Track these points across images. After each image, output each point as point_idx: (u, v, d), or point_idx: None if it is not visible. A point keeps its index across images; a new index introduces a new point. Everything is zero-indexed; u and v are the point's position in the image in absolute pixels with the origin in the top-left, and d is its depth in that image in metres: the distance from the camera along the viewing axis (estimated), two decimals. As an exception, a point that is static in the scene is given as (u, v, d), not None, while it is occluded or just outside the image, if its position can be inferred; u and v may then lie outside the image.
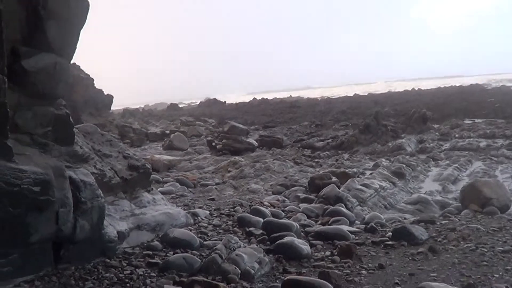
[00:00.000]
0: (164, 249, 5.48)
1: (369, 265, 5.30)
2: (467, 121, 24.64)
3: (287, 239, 5.89)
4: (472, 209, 7.99)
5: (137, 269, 4.81)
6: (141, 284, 4.48)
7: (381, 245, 6.06)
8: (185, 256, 5.12)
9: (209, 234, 6.29)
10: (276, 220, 6.88)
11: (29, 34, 4.23)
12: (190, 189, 11.17)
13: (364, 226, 7.22)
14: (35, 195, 3.99)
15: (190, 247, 5.55)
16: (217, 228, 6.64)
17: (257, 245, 5.82)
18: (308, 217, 7.85)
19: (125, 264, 4.91)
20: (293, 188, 10.97)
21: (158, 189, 8.54)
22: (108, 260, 4.92)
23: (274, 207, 8.35)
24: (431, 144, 18.38)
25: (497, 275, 4.62)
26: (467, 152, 16.41)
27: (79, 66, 27.35)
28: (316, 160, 16.86)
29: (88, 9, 4.78)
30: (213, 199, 9.28)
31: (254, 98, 53.74)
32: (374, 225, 6.99)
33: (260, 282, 4.87)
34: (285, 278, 4.59)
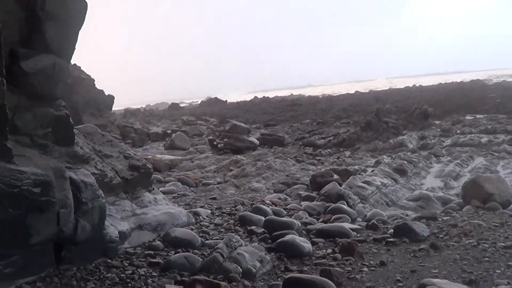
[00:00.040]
0: (165, 249, 5.49)
1: (371, 262, 5.30)
2: (468, 117, 24.59)
3: (288, 237, 5.89)
4: (474, 205, 7.98)
5: (138, 269, 4.82)
6: (143, 284, 4.48)
7: (382, 242, 6.06)
8: (187, 255, 5.12)
9: (210, 233, 6.30)
10: (278, 219, 6.88)
11: (28, 35, 4.24)
12: (191, 189, 11.18)
13: (365, 223, 7.23)
14: (36, 196, 3.99)
15: (192, 247, 5.56)
16: (219, 227, 6.65)
17: (258, 244, 5.82)
18: (310, 215, 7.85)
19: (126, 264, 4.92)
20: (294, 186, 10.96)
21: (160, 189, 8.55)
22: (110, 261, 4.93)
23: (276, 206, 8.35)
24: (433, 141, 18.34)
25: (498, 271, 4.62)
26: (468, 148, 16.38)
27: (80, 67, 27.34)
28: (318, 158, 16.85)
29: (86, 10, 4.78)
30: (214, 198, 9.29)
31: (255, 97, 53.66)
32: (375, 222, 6.99)
33: (262, 280, 4.87)
34: (287, 276, 4.59)
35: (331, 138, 20.48)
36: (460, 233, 6.03)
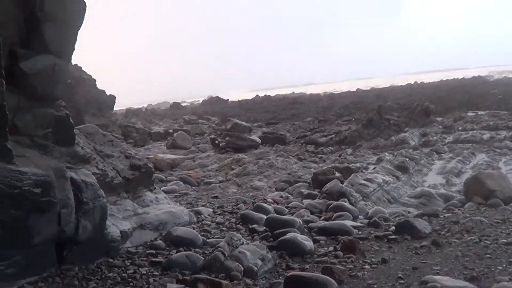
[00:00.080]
0: (167, 248, 5.50)
1: (372, 259, 5.30)
2: (470, 114, 24.56)
3: (290, 235, 5.89)
4: (476, 202, 7.97)
5: (140, 268, 4.82)
6: (144, 283, 4.49)
7: (384, 240, 6.06)
8: (188, 254, 5.12)
9: (212, 232, 6.30)
10: (279, 217, 6.88)
11: (27, 36, 4.25)
12: (193, 188, 11.17)
13: (367, 220, 7.22)
14: (36, 196, 4.00)
15: (193, 245, 5.56)
16: (220, 226, 6.65)
17: (260, 242, 5.81)
18: (312, 212, 7.86)
19: (128, 264, 4.93)
20: (296, 184, 10.96)
21: (162, 188, 8.57)
22: (112, 260, 4.93)
23: (278, 204, 8.36)
24: (434, 137, 18.32)
25: (500, 267, 4.61)
26: (470, 144, 16.36)
27: (81, 67, 27.35)
28: (320, 155, 16.85)
29: (85, 10, 4.78)
30: (216, 197, 9.29)
31: (257, 95, 53.70)
32: (377, 220, 6.99)
33: (263, 278, 4.87)
34: (288, 275, 4.60)
35: (333, 136, 20.46)
36: (462, 230, 6.03)
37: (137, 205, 6.25)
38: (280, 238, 5.87)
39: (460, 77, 54.52)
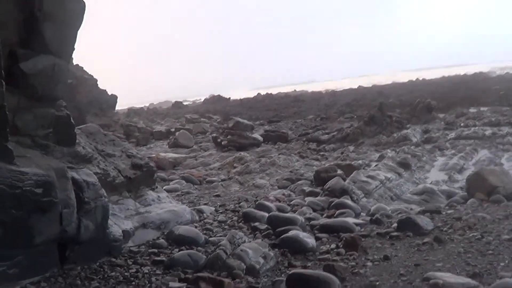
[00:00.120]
0: (169, 247, 5.51)
1: (375, 256, 5.29)
2: (472, 110, 24.48)
3: (292, 233, 5.89)
4: (478, 198, 7.96)
5: (142, 267, 4.83)
6: (147, 282, 4.50)
7: (386, 237, 6.05)
8: (190, 253, 5.13)
9: (214, 231, 6.31)
10: (281, 214, 6.88)
11: (27, 36, 4.24)
12: (195, 186, 11.18)
13: (369, 217, 7.21)
14: (38, 196, 4.00)
15: (195, 244, 5.57)
16: (222, 224, 6.66)
17: (262, 240, 5.82)
18: (314, 210, 7.85)
19: (130, 263, 4.94)
20: (298, 182, 10.95)
21: (164, 187, 8.58)
22: (114, 259, 4.95)
23: (280, 202, 8.35)
24: (437, 134, 18.28)
25: (503, 264, 4.60)
26: (472, 140, 16.29)
27: (82, 67, 27.39)
28: (322, 153, 16.83)
29: (84, 10, 4.78)
30: (218, 196, 9.30)
31: (259, 94, 53.66)
32: (379, 217, 6.98)
33: (266, 276, 4.87)
34: (290, 272, 4.60)
35: (335, 133, 20.43)
36: (464, 226, 6.02)
37: (139, 204, 6.26)
38: (282, 236, 5.87)
39: (462, 73, 54.33)
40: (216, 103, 49.07)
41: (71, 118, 5.11)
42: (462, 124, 20.12)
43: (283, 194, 9.43)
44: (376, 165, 12.13)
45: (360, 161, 13.63)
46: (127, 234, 5.42)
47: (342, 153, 16.37)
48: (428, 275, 4.35)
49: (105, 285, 4.36)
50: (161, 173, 12.23)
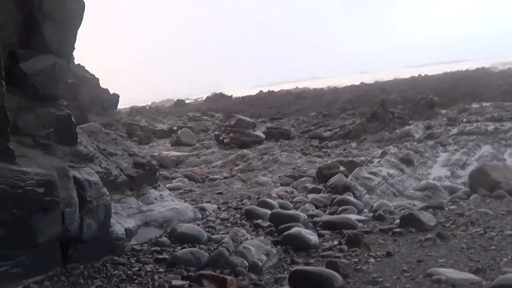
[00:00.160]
0: (172, 245, 5.52)
1: (377, 253, 5.29)
2: (474, 105, 24.43)
3: (294, 230, 5.89)
4: (481, 194, 7.95)
5: (145, 266, 4.84)
6: (149, 280, 4.50)
7: (389, 233, 6.05)
8: (193, 250, 5.14)
9: (217, 228, 6.32)
10: (283, 212, 6.89)
11: (26, 36, 4.24)
12: (198, 184, 11.19)
13: (372, 214, 7.22)
14: (40, 196, 4.00)
15: (198, 242, 5.58)
16: (225, 222, 6.67)
17: (264, 237, 5.82)
18: (316, 207, 7.85)
19: (133, 261, 4.95)
20: (301, 179, 10.95)
21: (166, 185, 8.59)
22: (117, 258, 4.95)
23: (282, 199, 8.36)
24: (439, 130, 18.26)
25: (505, 259, 4.59)
26: (475, 136, 16.26)
27: (84, 67, 27.36)
28: (324, 150, 16.83)
29: (83, 9, 4.77)
30: (221, 193, 9.31)
31: (261, 91, 53.58)
32: (382, 213, 6.98)
33: (268, 273, 4.87)
34: (293, 269, 4.60)
35: (337, 130, 20.42)
36: (467, 222, 6.02)
37: (141, 203, 6.28)
38: (284, 233, 5.87)
39: (464, 69, 54.23)
40: (218, 101, 49.02)
41: (72, 117, 5.11)
42: (464, 120, 20.09)
43: (286, 191, 9.44)
44: (378, 162, 12.12)
45: (362, 158, 13.63)
46: (129, 233, 5.43)
47: (344, 149, 16.37)
48: (431, 271, 4.35)
49: (108, 284, 4.36)
50: (163, 171, 12.23)
